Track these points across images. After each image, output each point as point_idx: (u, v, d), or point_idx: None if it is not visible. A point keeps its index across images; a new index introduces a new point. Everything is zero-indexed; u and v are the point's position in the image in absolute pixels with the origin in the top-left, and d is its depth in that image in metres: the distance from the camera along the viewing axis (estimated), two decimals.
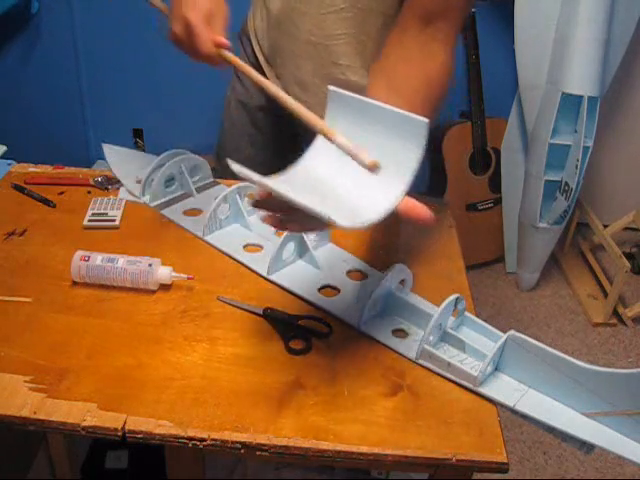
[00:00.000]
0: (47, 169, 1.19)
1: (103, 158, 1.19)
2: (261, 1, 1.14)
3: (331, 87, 0.72)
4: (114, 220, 1.04)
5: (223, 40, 0.81)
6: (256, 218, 1.05)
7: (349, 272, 0.95)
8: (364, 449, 0.70)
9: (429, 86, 0.82)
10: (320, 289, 0.92)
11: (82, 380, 0.75)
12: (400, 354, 0.82)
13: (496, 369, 0.79)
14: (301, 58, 1.08)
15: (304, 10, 1.02)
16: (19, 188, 1.12)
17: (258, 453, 0.70)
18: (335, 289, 0.92)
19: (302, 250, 0.97)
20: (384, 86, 0.81)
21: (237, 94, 1.27)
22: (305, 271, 0.95)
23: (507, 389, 0.77)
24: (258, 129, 1.28)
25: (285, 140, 1.31)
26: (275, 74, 1.16)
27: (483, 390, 0.76)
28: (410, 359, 0.81)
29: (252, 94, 1.24)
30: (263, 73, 1.18)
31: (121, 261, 0.89)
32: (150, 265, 0.89)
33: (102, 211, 1.06)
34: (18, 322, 0.83)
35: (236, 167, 0.61)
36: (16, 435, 1.25)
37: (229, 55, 0.81)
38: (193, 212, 1.08)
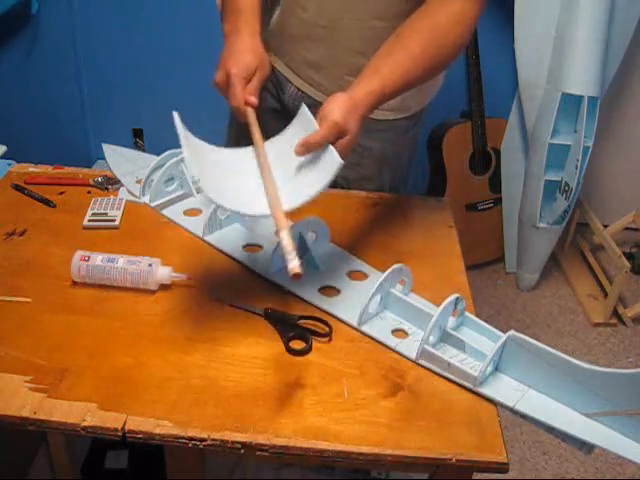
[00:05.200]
0: (47, 169, 1.19)
1: (103, 158, 1.19)
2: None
3: (304, 106, 0.88)
4: (114, 220, 1.04)
5: (251, 99, 0.92)
6: (256, 218, 1.05)
7: (349, 272, 0.95)
8: (364, 449, 0.70)
9: (437, 36, 0.90)
10: (320, 289, 0.92)
11: (82, 380, 0.75)
12: (400, 354, 0.82)
13: (496, 369, 0.79)
14: (311, 40, 1.08)
15: None
16: (19, 188, 1.12)
17: (258, 453, 0.70)
18: (335, 289, 0.92)
19: (302, 250, 0.97)
20: (390, 40, 0.91)
21: None
22: (305, 271, 0.95)
23: (507, 389, 0.77)
24: (265, 133, 1.28)
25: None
26: (284, 62, 1.16)
27: (483, 390, 0.76)
28: (410, 359, 0.81)
29: (262, 96, 1.24)
30: (271, 67, 1.18)
31: (121, 261, 0.89)
32: (150, 265, 0.89)
33: (102, 211, 1.06)
34: (18, 322, 0.83)
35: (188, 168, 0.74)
36: (16, 435, 1.25)
37: (250, 116, 0.93)
38: (193, 212, 1.08)
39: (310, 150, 0.81)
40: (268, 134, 1.28)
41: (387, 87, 0.86)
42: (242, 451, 0.70)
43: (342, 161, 0.79)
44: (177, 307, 0.88)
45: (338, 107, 0.81)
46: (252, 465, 1.31)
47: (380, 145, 1.16)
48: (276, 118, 1.26)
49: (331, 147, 0.81)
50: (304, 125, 0.86)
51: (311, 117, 0.86)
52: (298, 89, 1.16)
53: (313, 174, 0.82)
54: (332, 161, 0.80)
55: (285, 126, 1.27)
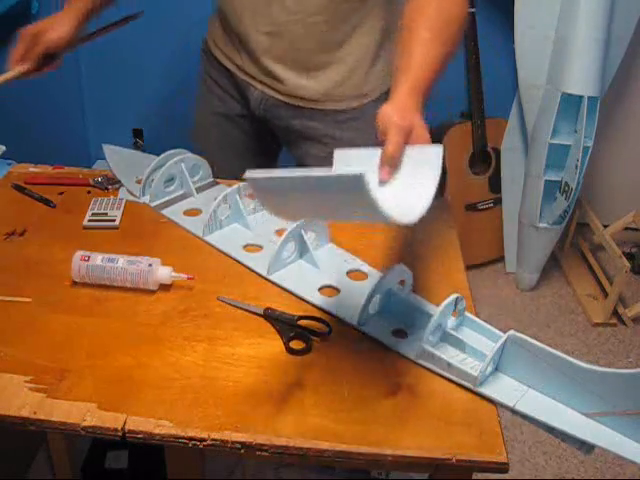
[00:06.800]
0: (47, 169, 1.19)
1: (103, 158, 1.19)
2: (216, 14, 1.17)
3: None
4: (114, 220, 1.04)
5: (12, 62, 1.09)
6: (256, 218, 1.05)
7: (349, 272, 0.95)
8: (364, 449, 0.70)
9: (448, 22, 0.87)
10: (320, 289, 0.92)
11: (82, 380, 0.75)
12: (400, 354, 0.82)
13: (496, 369, 0.79)
14: (266, 48, 1.10)
15: None
16: (19, 188, 1.12)
17: (258, 453, 0.70)
18: (335, 289, 0.92)
19: (302, 250, 0.97)
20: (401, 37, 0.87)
21: (214, 108, 1.26)
22: (305, 271, 0.95)
23: (507, 389, 0.77)
24: (245, 135, 1.28)
25: (269, 144, 1.32)
26: (244, 72, 1.17)
27: (483, 390, 0.76)
28: (410, 359, 0.81)
29: (228, 103, 1.24)
30: (232, 74, 1.20)
31: (121, 261, 0.89)
32: (150, 265, 0.89)
33: (102, 211, 1.06)
34: (18, 322, 0.83)
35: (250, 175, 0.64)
36: (16, 435, 1.25)
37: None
38: (193, 212, 1.08)
39: (395, 165, 0.77)
40: (245, 138, 1.28)
41: (421, 79, 0.83)
42: (242, 451, 0.70)
43: (441, 145, 0.76)
44: (177, 307, 0.88)
45: (390, 112, 0.78)
46: (252, 465, 1.31)
47: (350, 134, 1.15)
48: (243, 123, 1.26)
49: (419, 146, 0.77)
50: (355, 159, 0.80)
51: (360, 150, 0.80)
52: (262, 92, 1.16)
53: (416, 179, 0.77)
54: (431, 152, 0.76)
55: (253, 130, 1.27)
